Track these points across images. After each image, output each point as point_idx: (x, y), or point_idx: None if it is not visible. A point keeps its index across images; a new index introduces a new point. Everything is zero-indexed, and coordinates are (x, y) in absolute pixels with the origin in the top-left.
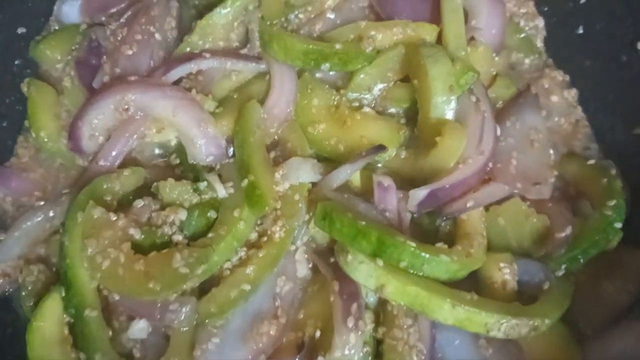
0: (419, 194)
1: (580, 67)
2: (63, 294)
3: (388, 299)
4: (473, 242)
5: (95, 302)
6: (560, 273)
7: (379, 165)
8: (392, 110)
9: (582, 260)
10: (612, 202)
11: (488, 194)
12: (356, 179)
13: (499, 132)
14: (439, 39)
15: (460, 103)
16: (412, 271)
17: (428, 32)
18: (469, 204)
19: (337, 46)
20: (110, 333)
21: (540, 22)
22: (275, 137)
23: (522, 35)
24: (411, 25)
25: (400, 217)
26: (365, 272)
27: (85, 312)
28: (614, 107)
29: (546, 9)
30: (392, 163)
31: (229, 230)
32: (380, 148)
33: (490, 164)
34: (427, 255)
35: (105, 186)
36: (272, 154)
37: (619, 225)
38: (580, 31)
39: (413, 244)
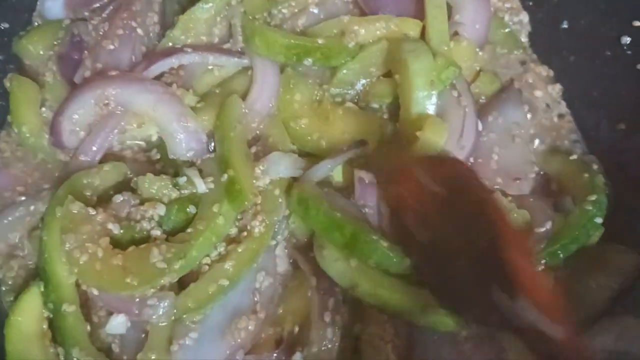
0: None
1: (564, 62)
2: (42, 289)
3: (360, 298)
4: None
5: (74, 297)
6: (540, 268)
7: (361, 160)
8: (375, 105)
9: (562, 256)
10: (593, 197)
11: None
12: (338, 174)
13: (480, 127)
14: (422, 34)
15: (442, 98)
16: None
17: (411, 28)
18: None
19: (320, 41)
20: (89, 328)
21: (525, 17)
22: (257, 132)
23: (507, 30)
24: (394, 20)
25: (379, 214)
26: (340, 269)
27: (63, 306)
28: (599, 103)
29: (531, 3)
30: (374, 158)
31: (208, 225)
32: (362, 143)
33: (472, 159)
34: (396, 258)
35: (85, 181)
36: (254, 149)
37: (599, 220)
38: (565, 26)
39: (385, 244)
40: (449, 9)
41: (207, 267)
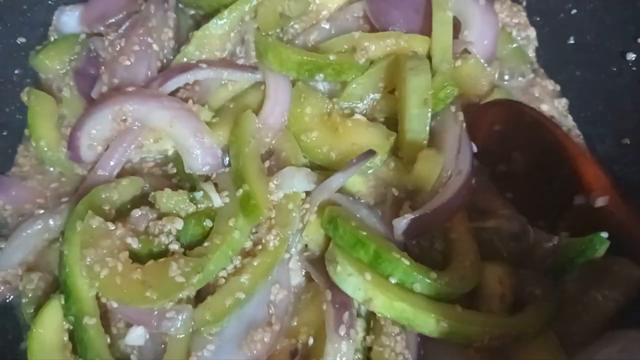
0: (401, 222)
1: (571, 76)
2: (63, 302)
3: (375, 312)
4: (466, 261)
5: (94, 310)
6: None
7: (370, 172)
8: (382, 119)
9: (569, 269)
10: None
11: None
12: (353, 184)
13: (475, 149)
14: None
15: (442, 114)
16: (402, 287)
17: (420, 44)
18: None
19: (331, 57)
20: (109, 339)
21: (532, 32)
22: (270, 146)
23: (514, 46)
24: (404, 36)
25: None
26: (353, 284)
27: (84, 319)
28: (604, 117)
29: (538, 19)
30: (382, 172)
31: (224, 239)
32: (371, 153)
33: (473, 181)
34: (419, 276)
35: (103, 196)
36: (267, 164)
37: (605, 234)
38: (572, 41)
39: (407, 262)
40: (458, 24)
41: (223, 280)
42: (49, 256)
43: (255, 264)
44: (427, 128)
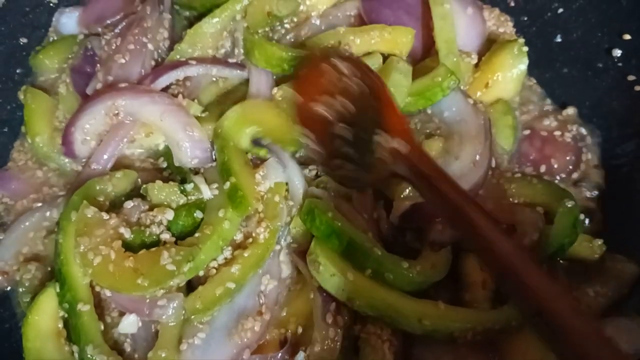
0: (402, 205)
1: (558, 74)
2: (58, 290)
3: (358, 311)
4: (439, 251)
5: (88, 297)
6: None
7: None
8: None
9: (559, 257)
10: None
11: None
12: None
13: (494, 164)
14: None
15: (457, 106)
16: (375, 278)
17: (404, 35)
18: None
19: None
20: (102, 327)
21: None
22: None
23: None
24: (388, 29)
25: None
26: (336, 284)
27: (78, 306)
28: (591, 112)
29: (525, 18)
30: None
31: (215, 229)
32: None
33: (482, 192)
34: (391, 265)
35: (97, 187)
36: (250, 156)
37: (571, 202)
38: (559, 40)
39: (379, 252)
40: None
41: (214, 270)
42: (46, 247)
43: (246, 255)
44: None
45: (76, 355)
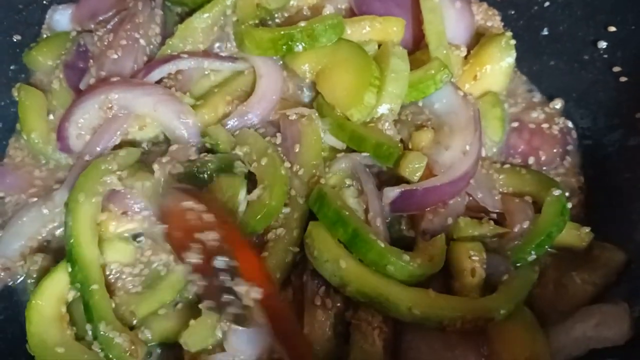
0: (392, 192)
1: (544, 66)
2: (69, 270)
3: (349, 297)
4: (436, 243)
5: (100, 277)
6: (531, 258)
7: None
8: None
9: (547, 247)
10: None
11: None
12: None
13: (483, 154)
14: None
15: (448, 98)
16: (376, 269)
17: (395, 25)
18: (449, 221)
19: (302, 24)
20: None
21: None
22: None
23: None
24: (378, 19)
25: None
26: (330, 270)
27: (90, 285)
28: (578, 104)
29: (513, 12)
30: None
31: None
32: None
33: (472, 182)
34: (392, 258)
35: (103, 167)
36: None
37: (558, 191)
38: (545, 32)
39: (382, 244)
40: None
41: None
42: (51, 240)
43: None
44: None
45: (89, 332)
